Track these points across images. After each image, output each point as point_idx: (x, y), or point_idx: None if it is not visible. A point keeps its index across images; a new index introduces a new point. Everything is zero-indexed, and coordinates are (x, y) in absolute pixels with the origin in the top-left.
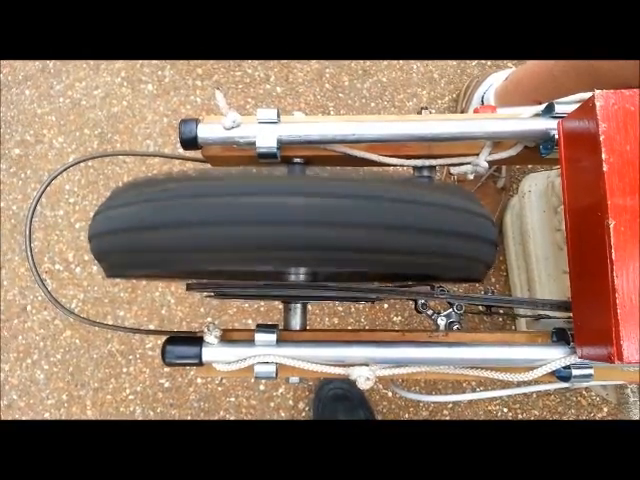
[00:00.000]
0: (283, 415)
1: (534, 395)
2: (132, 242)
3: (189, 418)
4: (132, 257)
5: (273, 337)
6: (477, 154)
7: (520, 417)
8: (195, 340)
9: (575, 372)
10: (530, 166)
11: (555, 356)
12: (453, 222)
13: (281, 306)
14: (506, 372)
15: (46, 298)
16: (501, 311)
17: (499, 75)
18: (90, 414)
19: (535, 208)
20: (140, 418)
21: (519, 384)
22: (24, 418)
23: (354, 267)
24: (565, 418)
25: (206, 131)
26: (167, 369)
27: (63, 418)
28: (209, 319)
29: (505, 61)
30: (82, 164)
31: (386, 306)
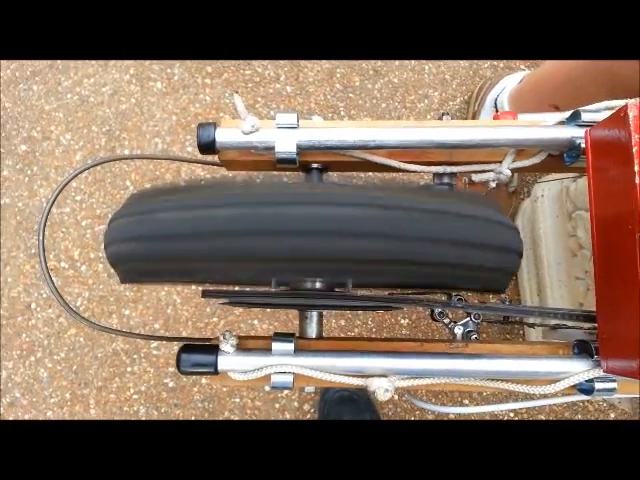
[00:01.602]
0: (288, 416)
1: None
2: (152, 250)
3: (193, 418)
4: (152, 265)
5: (291, 346)
6: (499, 161)
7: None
8: (210, 348)
9: (598, 385)
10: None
11: (578, 369)
12: (484, 234)
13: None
14: (527, 384)
15: (51, 296)
16: (518, 319)
17: (513, 77)
18: (93, 413)
19: (548, 213)
20: (144, 418)
21: (538, 397)
22: (27, 416)
23: (384, 279)
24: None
25: (224, 135)
26: (171, 369)
27: (66, 417)
28: (215, 319)
29: (518, 63)
30: (89, 162)
31: None
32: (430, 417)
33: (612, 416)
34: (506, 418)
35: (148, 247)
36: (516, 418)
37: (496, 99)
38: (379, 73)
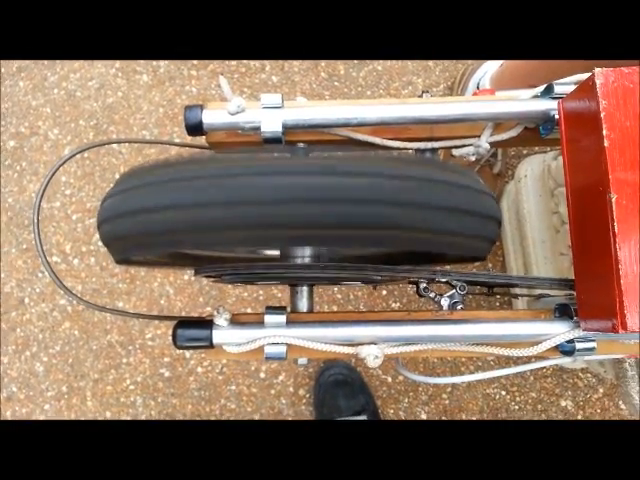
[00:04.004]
0: (284, 402)
1: (531, 378)
2: (145, 223)
3: (190, 407)
4: (145, 239)
5: (283, 318)
6: (478, 136)
7: (518, 399)
8: (205, 323)
9: (579, 346)
10: (525, 152)
11: (559, 330)
12: (463, 200)
13: (280, 295)
14: (511, 348)
15: (44, 290)
16: (502, 291)
17: (494, 62)
18: (90, 405)
19: (531, 192)
20: (141, 408)
21: (523, 362)
22: (24, 410)
23: (367, 245)
24: (562, 400)
25: (211, 117)
26: (167, 359)
27: (63, 410)
28: (208, 309)
29: None
30: (78, 155)
31: (384, 293)
32: (423, 397)
33: (601, 391)
34: (498, 397)
35: (139, 220)
36: (508, 396)
37: (478, 83)
38: (363, 61)
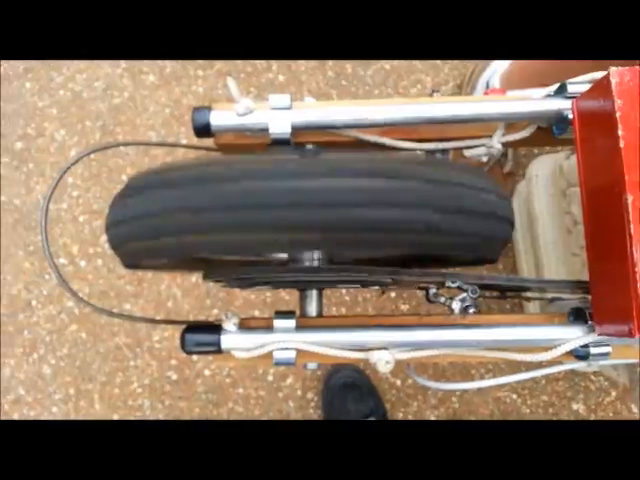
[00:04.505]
0: (292, 405)
1: (543, 381)
2: (155, 227)
3: (197, 410)
4: (155, 243)
5: (292, 323)
6: (490, 136)
7: (529, 402)
8: (214, 328)
9: (593, 350)
10: (536, 151)
11: (573, 335)
12: (475, 201)
13: (288, 297)
14: (525, 353)
15: (51, 293)
16: (514, 294)
17: (503, 60)
18: (98, 408)
19: (543, 192)
20: (148, 411)
21: (535, 366)
22: (32, 413)
23: (380, 247)
24: (574, 403)
25: (219, 118)
26: (174, 361)
27: (71, 412)
28: (216, 311)
29: None
30: (84, 158)
31: (393, 295)
32: (433, 401)
33: (614, 394)
34: (508, 400)
35: (148, 224)
36: (519, 400)
37: (487, 82)
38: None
